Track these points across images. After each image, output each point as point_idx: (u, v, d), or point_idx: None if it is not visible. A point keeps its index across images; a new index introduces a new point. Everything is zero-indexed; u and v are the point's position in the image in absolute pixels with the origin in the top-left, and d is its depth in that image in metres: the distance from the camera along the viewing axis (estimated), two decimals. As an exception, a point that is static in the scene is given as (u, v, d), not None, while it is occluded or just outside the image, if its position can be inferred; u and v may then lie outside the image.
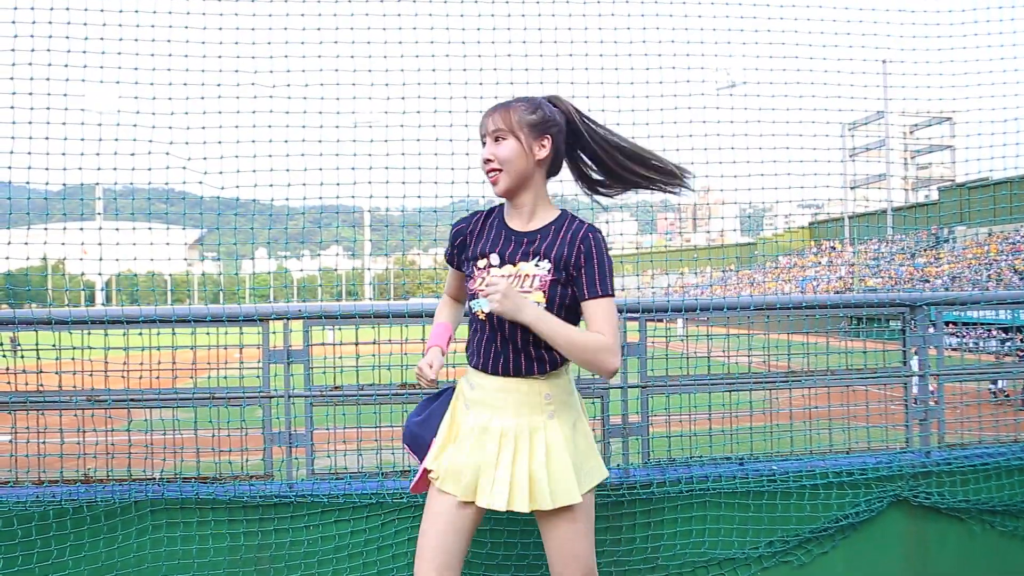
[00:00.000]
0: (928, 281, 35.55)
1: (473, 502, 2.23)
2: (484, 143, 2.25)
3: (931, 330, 3.76)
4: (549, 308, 2.17)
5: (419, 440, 2.40)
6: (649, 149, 2.40)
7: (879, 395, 3.88)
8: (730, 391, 3.63)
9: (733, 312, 3.66)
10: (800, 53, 3.76)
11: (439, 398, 2.47)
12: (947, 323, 3.98)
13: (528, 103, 2.23)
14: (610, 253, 2.23)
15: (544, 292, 2.17)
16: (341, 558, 3.24)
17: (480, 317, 2.25)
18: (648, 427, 3.52)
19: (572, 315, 2.23)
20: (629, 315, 3.49)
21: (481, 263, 2.28)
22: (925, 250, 40.77)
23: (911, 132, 62.73)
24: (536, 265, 2.20)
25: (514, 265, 2.22)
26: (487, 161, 2.22)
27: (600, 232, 2.22)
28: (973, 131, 4.13)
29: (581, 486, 2.21)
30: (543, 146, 2.21)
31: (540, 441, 2.20)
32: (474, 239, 2.33)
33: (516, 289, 2.16)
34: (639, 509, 3.35)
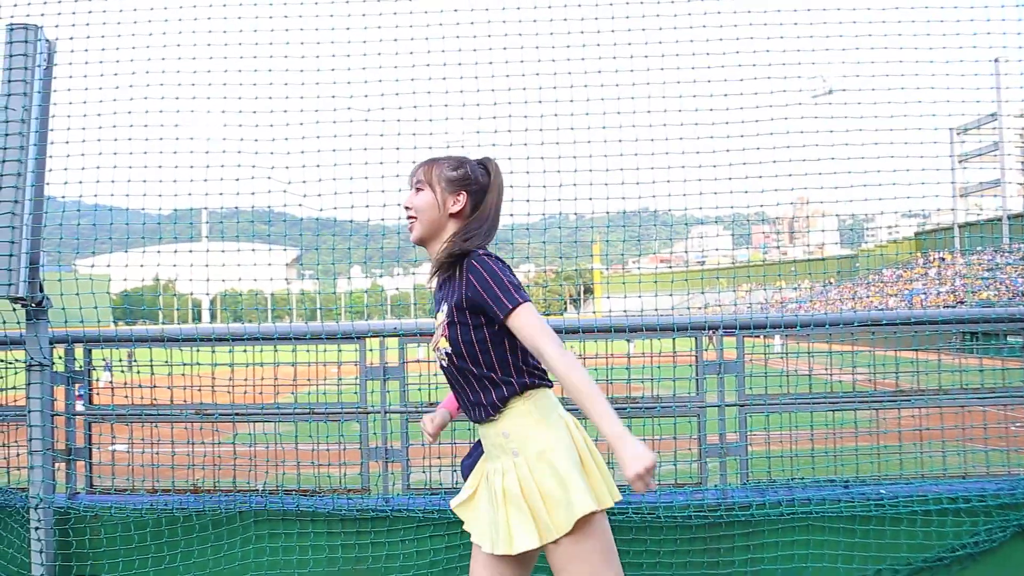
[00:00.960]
0: (1049, 293, 33.29)
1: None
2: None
3: (1055, 346, 3.51)
4: (456, 349, 2.15)
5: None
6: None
7: (998, 416, 3.64)
8: (834, 410, 3.48)
9: (836, 328, 3.51)
10: (902, 56, 3.60)
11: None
12: (1073, 339, 3.70)
13: (454, 160, 2.32)
14: (502, 263, 2.17)
15: (446, 337, 2.17)
16: (436, 572, 3.27)
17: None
18: (747, 447, 3.42)
19: (491, 347, 2.16)
20: (726, 331, 3.40)
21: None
22: (1045, 260, 38.22)
23: (1028, 134, 59.10)
24: (443, 312, 2.21)
25: (435, 317, 2.27)
26: (406, 208, 2.33)
27: (482, 255, 2.16)
28: (1099, 132, 3.85)
29: (547, 527, 2.04)
30: (457, 200, 2.28)
31: (514, 480, 2.10)
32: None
33: (438, 338, 2.22)
34: (738, 531, 3.24)
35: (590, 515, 2.03)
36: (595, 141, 3.45)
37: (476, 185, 2.32)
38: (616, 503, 2.16)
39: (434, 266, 2.30)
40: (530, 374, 2.18)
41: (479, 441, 2.40)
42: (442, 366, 2.24)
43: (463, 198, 2.29)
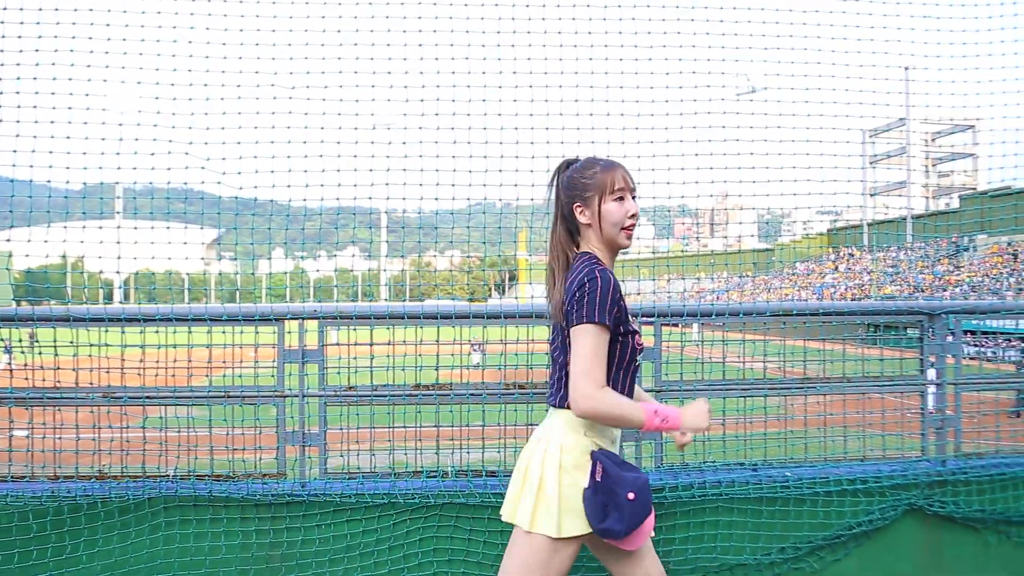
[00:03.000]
0: (947, 289, 35.22)
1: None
2: (623, 197, 2.35)
3: (949, 339, 3.72)
4: None
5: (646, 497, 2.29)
6: None
7: (895, 403, 3.84)
8: (745, 396, 3.61)
9: (749, 318, 3.64)
10: (821, 59, 3.74)
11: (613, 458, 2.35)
12: (966, 332, 3.93)
13: None
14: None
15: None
16: (352, 557, 3.25)
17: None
18: (662, 432, 3.50)
19: None
20: (644, 319, 3.48)
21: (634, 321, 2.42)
22: (945, 258, 40.39)
23: (933, 139, 62.19)
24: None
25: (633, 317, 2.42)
26: (633, 216, 2.36)
27: None
28: (996, 139, 4.09)
29: (520, 512, 2.29)
30: None
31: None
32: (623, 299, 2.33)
33: None
34: (651, 514, 3.33)
35: None
36: (522, 128, 3.46)
37: None
38: None
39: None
40: None
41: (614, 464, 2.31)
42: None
43: None
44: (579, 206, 2.36)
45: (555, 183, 2.46)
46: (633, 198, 2.36)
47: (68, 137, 3.27)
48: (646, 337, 3.46)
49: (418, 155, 3.47)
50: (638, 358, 2.39)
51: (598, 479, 2.22)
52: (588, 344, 2.17)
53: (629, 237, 2.36)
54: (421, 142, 3.46)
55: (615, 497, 2.19)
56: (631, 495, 2.19)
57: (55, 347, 3.30)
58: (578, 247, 2.42)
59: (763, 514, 3.40)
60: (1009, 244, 35.80)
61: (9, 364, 3.57)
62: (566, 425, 2.29)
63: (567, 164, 2.47)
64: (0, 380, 3.44)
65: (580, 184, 2.36)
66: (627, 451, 3.47)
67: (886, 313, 3.81)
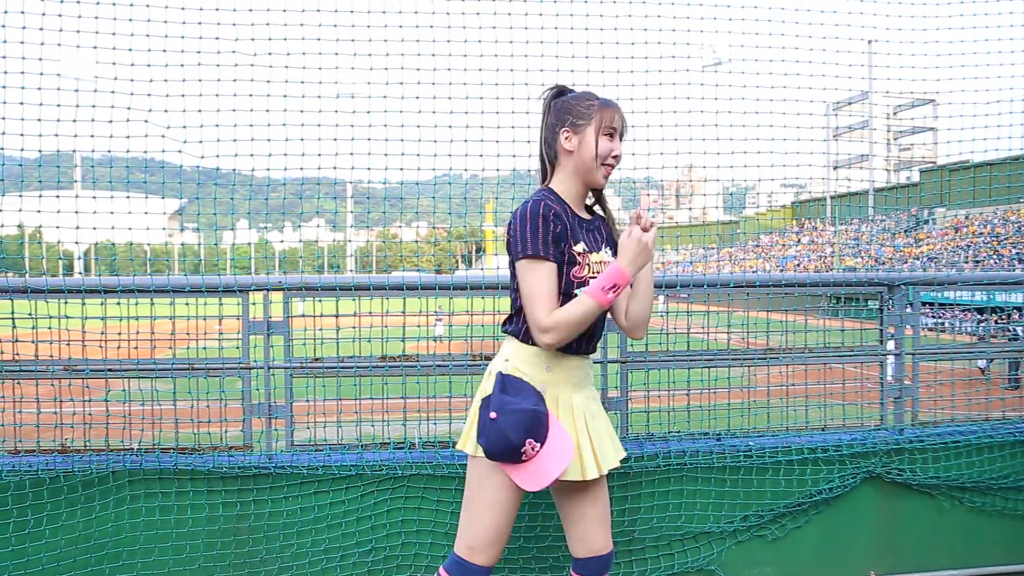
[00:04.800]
0: (907, 262, 35.90)
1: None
2: (613, 136, 2.34)
3: (908, 310, 3.80)
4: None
5: (539, 423, 2.22)
6: None
7: (855, 373, 3.93)
8: (709, 367, 3.66)
9: (713, 289, 3.68)
10: (786, 31, 3.75)
11: (525, 390, 2.28)
12: (924, 304, 4.02)
13: None
14: None
15: None
16: (320, 529, 3.26)
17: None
18: (627, 402, 3.55)
19: None
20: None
21: (578, 248, 2.31)
22: (905, 231, 41.11)
23: (895, 113, 62.98)
24: (606, 251, 2.40)
25: (596, 253, 2.35)
26: (616, 157, 2.34)
27: None
28: (955, 113, 4.15)
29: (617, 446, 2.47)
30: None
31: (597, 410, 2.44)
32: (565, 226, 2.28)
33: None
34: (616, 483, 3.38)
35: None
36: (487, 98, 3.43)
37: None
38: None
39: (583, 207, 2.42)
40: None
41: (511, 392, 2.27)
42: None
43: None
44: (567, 131, 2.32)
45: (546, 110, 2.42)
46: (621, 142, 2.37)
47: (22, 103, 3.17)
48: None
49: (383, 125, 3.42)
50: (575, 291, 2.27)
51: (488, 397, 2.28)
52: (527, 280, 2.22)
53: (606, 177, 2.36)
54: (386, 111, 3.42)
55: (486, 415, 2.23)
56: (493, 415, 2.20)
57: (13, 319, 3.23)
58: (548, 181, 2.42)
59: (727, 483, 3.47)
60: (967, 217, 36.57)
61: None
62: (514, 354, 2.34)
63: (561, 91, 2.43)
64: (-45, 354, 3.36)
65: (575, 111, 2.33)
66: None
67: (847, 285, 3.88)
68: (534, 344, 2.29)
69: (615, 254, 2.34)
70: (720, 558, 3.48)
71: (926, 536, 3.66)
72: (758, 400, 3.75)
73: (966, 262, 32.90)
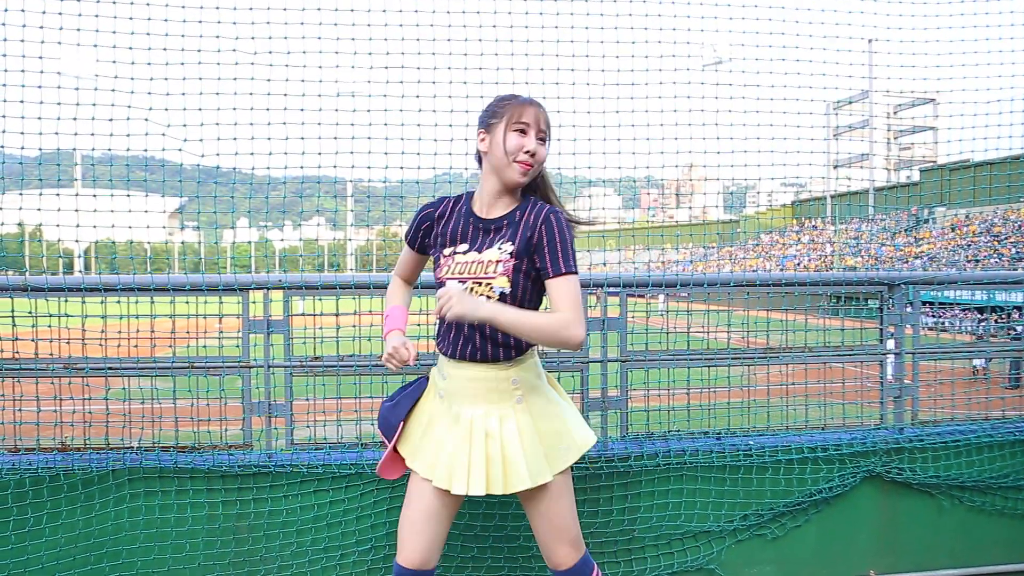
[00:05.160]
0: (907, 261, 35.90)
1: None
2: (521, 131, 2.25)
3: (908, 309, 3.80)
4: (513, 292, 2.23)
5: (388, 423, 2.45)
6: None
7: (855, 373, 3.93)
8: (709, 367, 3.66)
9: (714, 288, 3.68)
10: (786, 30, 3.75)
11: (412, 386, 2.52)
12: (924, 303, 4.02)
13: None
14: (573, 233, 2.31)
15: (508, 277, 2.22)
16: (320, 527, 3.26)
17: None
18: (627, 401, 3.55)
19: (537, 298, 2.31)
20: (610, 290, 3.50)
21: (447, 251, 2.33)
22: (905, 231, 41.12)
23: (895, 112, 62.97)
24: (499, 250, 2.25)
25: (480, 252, 2.28)
26: (531, 155, 2.25)
27: (561, 214, 2.28)
28: (956, 112, 4.15)
29: (553, 465, 2.29)
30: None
31: (511, 426, 2.27)
32: (441, 225, 2.38)
33: (483, 273, 2.24)
34: (616, 482, 3.38)
35: None
36: (488, 97, 3.41)
37: None
38: None
39: (504, 205, 2.33)
40: None
41: (402, 387, 2.51)
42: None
43: None
44: (481, 132, 2.32)
45: None
46: (542, 141, 2.26)
47: (22, 101, 3.17)
48: (613, 308, 3.50)
49: (383, 123, 3.42)
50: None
51: None
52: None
53: (524, 174, 2.24)
54: (387, 110, 3.42)
55: None
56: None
57: (13, 318, 3.23)
58: None
59: (726, 482, 3.47)
60: (967, 216, 36.57)
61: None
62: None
63: None
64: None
65: (491, 111, 2.31)
66: (593, 420, 3.51)
67: (847, 284, 3.88)
68: (440, 346, 2.39)
69: (528, 253, 2.23)
70: (720, 557, 3.48)
71: (926, 535, 3.66)
72: (758, 399, 3.75)
73: (967, 261, 32.91)
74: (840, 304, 4.15)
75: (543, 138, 2.28)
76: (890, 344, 3.79)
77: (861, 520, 3.60)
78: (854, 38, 3.92)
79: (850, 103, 57.04)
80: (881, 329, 3.81)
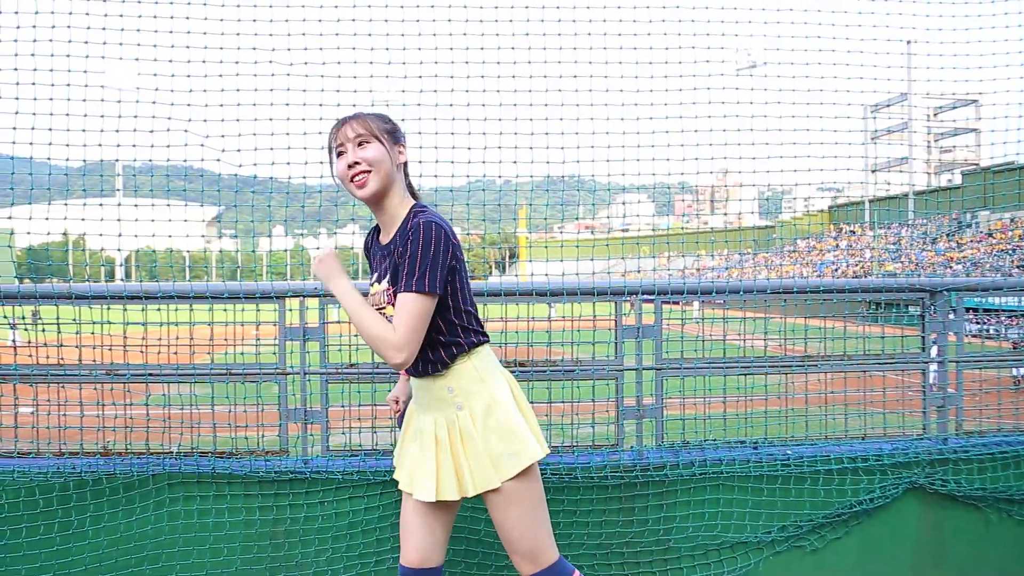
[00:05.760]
0: (949, 267, 35.15)
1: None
2: (339, 154, 2.23)
3: (951, 316, 3.71)
4: None
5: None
6: None
7: (896, 381, 3.85)
8: (745, 375, 3.61)
9: (750, 295, 3.64)
10: (822, 33, 3.70)
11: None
12: (968, 309, 3.92)
13: (378, 114, 2.30)
14: (446, 243, 2.14)
15: (392, 305, 2.20)
16: (355, 534, 3.27)
17: None
18: (662, 409, 3.52)
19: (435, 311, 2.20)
20: (645, 297, 3.48)
21: (371, 286, 2.38)
22: (947, 235, 40.29)
23: (935, 115, 61.79)
24: (385, 278, 2.27)
25: (379, 282, 2.31)
26: (353, 166, 2.20)
27: (434, 223, 2.14)
28: (999, 114, 4.06)
29: (500, 471, 2.22)
30: (401, 152, 2.30)
31: (456, 433, 2.27)
32: (370, 255, 2.45)
33: (380, 304, 2.25)
34: (652, 491, 3.35)
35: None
36: (521, 104, 3.44)
37: (404, 138, 2.34)
38: (539, 462, 2.33)
39: (395, 225, 2.27)
40: (475, 333, 2.30)
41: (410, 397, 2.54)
42: None
43: (403, 150, 2.32)
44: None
45: None
46: (363, 144, 2.20)
47: (67, 114, 3.25)
48: (647, 315, 3.48)
49: (417, 132, 3.45)
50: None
51: None
52: None
53: (363, 185, 2.19)
54: (420, 119, 3.44)
55: None
56: None
57: (58, 325, 3.31)
58: None
59: (764, 492, 3.42)
60: (1012, 220, 35.72)
61: (14, 341, 3.58)
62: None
63: None
64: (4, 357, 3.45)
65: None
66: (628, 428, 3.49)
67: (887, 290, 3.81)
68: None
69: (394, 275, 2.21)
70: (757, 569, 3.43)
71: (973, 550, 3.56)
72: (796, 408, 3.69)
73: (1014, 267, 32.10)
74: (880, 311, 4.07)
75: (363, 141, 2.20)
76: (933, 352, 3.71)
77: (903, 533, 3.52)
78: (892, 40, 3.86)
79: (888, 106, 56.11)
80: (923, 337, 3.73)
